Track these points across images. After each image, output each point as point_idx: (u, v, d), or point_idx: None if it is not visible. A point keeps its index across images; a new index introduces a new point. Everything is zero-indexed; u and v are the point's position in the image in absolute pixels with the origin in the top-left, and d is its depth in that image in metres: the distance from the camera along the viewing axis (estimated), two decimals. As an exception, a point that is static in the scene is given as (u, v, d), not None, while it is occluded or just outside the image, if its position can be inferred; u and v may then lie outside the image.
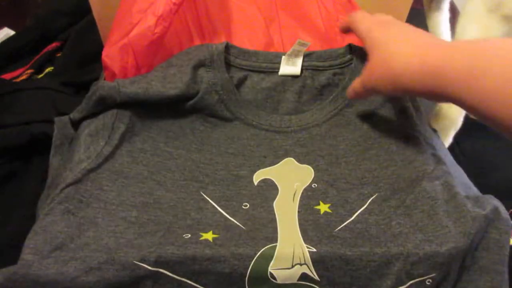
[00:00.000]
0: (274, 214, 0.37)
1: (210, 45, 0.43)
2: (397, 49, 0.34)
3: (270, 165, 0.41)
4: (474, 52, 0.30)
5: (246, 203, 0.38)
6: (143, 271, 0.31)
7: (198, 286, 0.32)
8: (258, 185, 0.39)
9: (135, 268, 0.31)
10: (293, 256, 0.33)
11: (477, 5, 0.46)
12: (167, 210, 0.36)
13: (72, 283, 0.30)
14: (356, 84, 0.40)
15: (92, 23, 0.50)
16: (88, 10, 0.49)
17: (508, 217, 0.36)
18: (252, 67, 0.44)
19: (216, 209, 0.37)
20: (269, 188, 0.39)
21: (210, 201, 0.37)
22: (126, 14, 0.43)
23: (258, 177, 0.40)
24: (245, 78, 0.44)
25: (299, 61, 0.44)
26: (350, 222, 0.36)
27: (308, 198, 0.38)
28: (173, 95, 0.40)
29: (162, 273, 0.31)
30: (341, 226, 0.36)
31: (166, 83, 0.40)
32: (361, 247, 0.33)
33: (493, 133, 0.54)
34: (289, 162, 0.42)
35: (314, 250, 0.33)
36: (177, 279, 0.32)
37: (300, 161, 0.42)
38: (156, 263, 0.31)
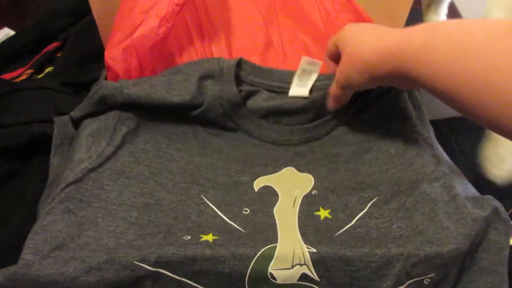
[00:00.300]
0: (275, 219, 0.37)
1: (222, 59, 0.43)
2: (363, 41, 0.37)
3: (270, 174, 0.41)
4: (426, 31, 0.33)
5: (246, 208, 0.38)
6: (143, 271, 0.31)
7: (198, 286, 0.32)
8: (258, 191, 0.40)
9: (135, 268, 0.31)
10: (293, 256, 0.33)
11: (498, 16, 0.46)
12: (167, 212, 0.36)
13: (72, 283, 0.30)
14: (332, 88, 0.42)
15: (92, 23, 0.50)
16: (88, 10, 0.49)
17: (508, 218, 0.36)
18: (264, 85, 0.44)
19: (217, 213, 0.37)
20: (269, 195, 0.39)
21: (211, 205, 0.37)
22: (128, 15, 0.43)
23: (258, 184, 0.40)
24: (255, 92, 0.44)
25: (310, 83, 0.43)
26: (350, 227, 0.36)
27: (308, 204, 0.39)
28: (176, 102, 0.40)
29: (162, 273, 0.31)
30: (341, 231, 0.36)
31: (171, 89, 0.40)
32: (361, 248, 0.33)
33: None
34: (289, 171, 0.42)
35: (314, 250, 0.33)
36: (177, 279, 0.32)
37: (300, 170, 0.42)
38: (156, 264, 0.31)
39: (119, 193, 0.36)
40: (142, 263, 0.31)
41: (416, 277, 0.33)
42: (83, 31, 0.57)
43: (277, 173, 0.41)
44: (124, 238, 0.33)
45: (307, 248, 0.33)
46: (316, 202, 0.39)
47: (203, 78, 0.42)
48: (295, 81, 0.44)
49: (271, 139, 0.44)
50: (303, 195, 0.39)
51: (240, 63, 0.43)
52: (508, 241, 0.35)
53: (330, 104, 0.43)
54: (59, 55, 0.58)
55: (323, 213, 0.38)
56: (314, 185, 0.40)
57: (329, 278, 0.33)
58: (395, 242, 0.34)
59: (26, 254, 0.31)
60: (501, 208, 0.36)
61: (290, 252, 0.33)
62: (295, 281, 0.33)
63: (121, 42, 0.42)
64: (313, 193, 0.40)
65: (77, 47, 0.56)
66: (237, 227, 0.36)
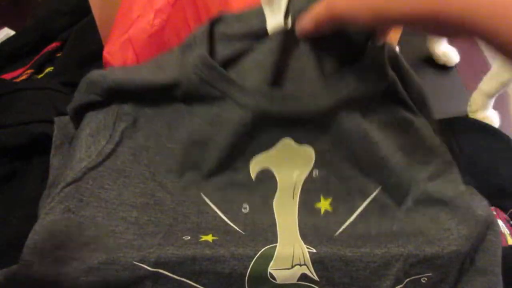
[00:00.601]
0: (274, 218, 0.36)
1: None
2: None
3: (266, 149, 0.37)
4: None
5: (245, 205, 0.37)
6: (143, 272, 0.31)
7: (198, 286, 0.32)
8: (256, 178, 0.37)
9: (135, 269, 0.31)
10: (293, 256, 0.33)
11: None
12: (167, 212, 0.36)
13: (72, 283, 0.30)
14: (320, 9, 0.31)
15: (92, 23, 0.50)
16: (88, 10, 0.49)
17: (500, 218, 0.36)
18: (248, 31, 0.36)
19: (216, 213, 0.36)
20: (268, 181, 0.37)
21: (210, 203, 0.37)
22: (127, 11, 0.43)
23: (255, 166, 0.37)
24: (239, 54, 0.36)
25: (283, 5, 0.34)
26: (350, 223, 0.36)
27: (309, 194, 0.37)
28: (159, 83, 0.37)
29: (161, 273, 0.31)
30: (341, 229, 0.36)
31: (158, 70, 0.37)
32: (361, 248, 0.33)
33: (493, 133, 0.54)
34: (287, 144, 0.37)
35: (314, 251, 0.33)
36: (177, 279, 0.32)
37: (299, 141, 0.37)
38: (156, 264, 0.31)
39: (119, 193, 0.36)
40: (142, 263, 0.31)
41: (413, 276, 0.33)
42: (83, 31, 0.57)
43: (273, 149, 0.37)
44: (123, 238, 0.33)
45: (307, 248, 0.33)
46: (317, 189, 0.37)
47: (183, 51, 0.37)
48: (266, 12, 0.35)
49: (259, 108, 0.36)
50: (303, 178, 0.37)
51: (215, 21, 0.37)
52: (500, 241, 0.36)
53: (303, 24, 0.33)
54: (59, 55, 0.58)
55: (324, 205, 0.37)
56: (315, 161, 0.37)
57: (328, 278, 0.33)
58: (395, 242, 0.34)
59: (27, 254, 0.31)
60: (489, 208, 0.36)
61: (290, 252, 0.33)
62: (294, 281, 0.33)
63: (119, 38, 0.43)
64: (314, 175, 0.37)
65: (77, 47, 0.57)
66: (237, 228, 0.36)
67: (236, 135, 0.36)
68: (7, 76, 0.54)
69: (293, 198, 0.37)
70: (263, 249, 0.33)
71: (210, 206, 0.37)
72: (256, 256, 0.32)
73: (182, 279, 0.32)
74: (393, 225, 0.36)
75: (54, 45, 0.58)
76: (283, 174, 0.37)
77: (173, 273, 0.32)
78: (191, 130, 0.37)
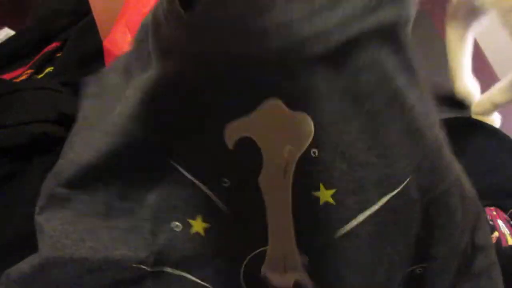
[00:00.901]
0: (261, 196, 0.28)
1: None
2: None
3: (246, 113, 0.26)
4: None
5: (226, 179, 0.29)
6: (143, 273, 0.31)
7: (198, 280, 0.32)
8: (234, 148, 0.28)
9: (134, 270, 0.31)
10: (285, 263, 0.32)
11: None
12: (149, 192, 0.32)
13: (73, 284, 0.30)
14: None
15: (92, 23, 0.50)
16: (88, 10, 0.49)
17: None
18: None
19: (193, 182, 0.30)
20: (250, 153, 0.28)
21: (182, 170, 0.30)
22: (126, 2, 0.43)
23: (231, 135, 0.27)
24: None
25: None
26: (358, 225, 0.28)
27: (305, 177, 0.27)
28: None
29: (161, 271, 0.32)
30: (346, 230, 0.28)
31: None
32: (360, 269, 0.31)
33: (494, 133, 0.54)
34: (274, 108, 0.26)
35: (307, 259, 0.32)
36: (176, 275, 0.32)
37: (292, 106, 0.26)
38: (155, 265, 0.31)
39: (113, 185, 0.33)
40: (142, 265, 0.31)
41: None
42: (83, 31, 0.57)
43: (255, 112, 0.26)
44: (116, 229, 0.32)
45: (300, 255, 0.32)
46: (316, 174, 0.27)
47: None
48: None
49: (226, 52, 0.24)
50: (297, 158, 0.27)
51: None
52: None
53: None
54: (59, 55, 0.58)
55: (324, 195, 0.27)
56: (314, 137, 0.26)
57: (322, 281, 0.32)
58: (405, 255, 0.31)
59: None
60: None
61: (281, 257, 0.32)
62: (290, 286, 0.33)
63: (118, 27, 0.43)
64: (312, 153, 0.27)
65: (77, 47, 0.57)
66: (222, 206, 0.30)
67: (193, 99, 0.27)
68: (7, 76, 0.55)
69: (285, 177, 0.28)
70: (252, 253, 0.32)
71: (183, 174, 0.30)
72: (248, 257, 0.32)
73: (182, 273, 0.32)
74: (413, 227, 0.28)
75: (54, 45, 0.58)
76: (270, 147, 0.27)
77: (173, 269, 0.32)
78: (136, 104, 0.29)
